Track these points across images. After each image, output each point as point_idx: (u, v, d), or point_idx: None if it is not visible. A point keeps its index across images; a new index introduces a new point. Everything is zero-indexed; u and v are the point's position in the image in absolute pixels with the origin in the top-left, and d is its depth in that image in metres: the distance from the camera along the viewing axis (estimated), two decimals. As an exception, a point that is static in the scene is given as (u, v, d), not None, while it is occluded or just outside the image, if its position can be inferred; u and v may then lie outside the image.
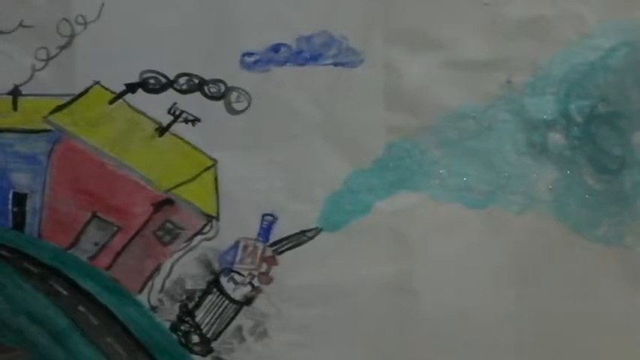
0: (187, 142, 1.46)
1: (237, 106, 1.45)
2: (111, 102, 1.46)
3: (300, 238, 1.46)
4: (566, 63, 1.40)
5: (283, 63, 1.44)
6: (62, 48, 1.44)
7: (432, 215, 1.42)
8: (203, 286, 1.48)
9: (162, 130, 1.46)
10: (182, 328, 1.45)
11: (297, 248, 1.45)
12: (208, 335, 1.46)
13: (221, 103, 1.45)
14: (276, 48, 1.43)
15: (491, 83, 1.41)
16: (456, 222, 1.42)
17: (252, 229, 1.46)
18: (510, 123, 1.41)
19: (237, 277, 1.47)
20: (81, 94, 1.45)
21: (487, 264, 1.41)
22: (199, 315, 1.48)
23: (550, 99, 1.40)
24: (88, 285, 1.47)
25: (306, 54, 1.43)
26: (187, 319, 1.46)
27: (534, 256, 1.40)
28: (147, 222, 1.48)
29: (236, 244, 1.47)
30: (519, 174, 1.41)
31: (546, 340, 1.40)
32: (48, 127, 1.46)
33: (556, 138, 1.40)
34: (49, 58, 1.45)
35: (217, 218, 1.47)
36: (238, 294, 1.48)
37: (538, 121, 1.41)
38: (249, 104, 1.45)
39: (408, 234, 1.42)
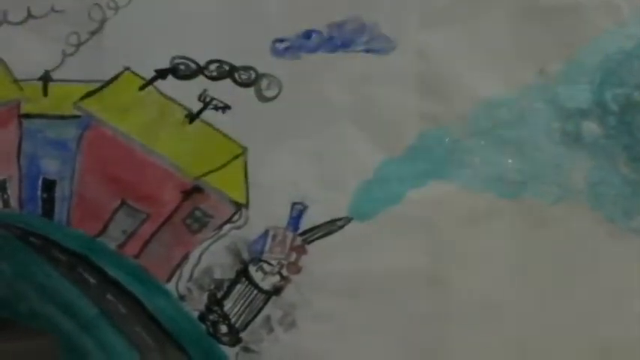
0: (217, 130, 1.45)
1: (268, 93, 1.44)
2: (141, 88, 1.45)
3: (330, 227, 1.44)
4: (601, 51, 1.38)
5: (314, 50, 1.42)
6: (93, 33, 1.44)
7: (463, 205, 1.41)
8: (232, 275, 1.47)
9: (192, 117, 1.45)
10: (210, 317, 1.44)
11: (327, 237, 1.44)
12: (237, 325, 1.45)
13: (251, 90, 1.44)
14: (307, 34, 1.42)
15: (524, 71, 1.40)
16: (489, 212, 1.40)
17: (282, 217, 1.45)
18: (544, 112, 1.40)
19: (266, 266, 1.46)
20: (111, 80, 1.45)
21: (520, 254, 1.39)
22: (228, 305, 1.46)
23: (584, 88, 1.39)
24: (116, 273, 1.46)
25: (337, 40, 1.42)
26: (216, 308, 1.45)
27: (568, 246, 1.38)
28: (176, 210, 1.47)
29: (265, 233, 1.46)
30: (553, 163, 1.39)
31: (578, 330, 1.38)
32: (78, 113, 1.46)
33: (590, 127, 1.39)
34: (79, 44, 1.44)
35: (247, 207, 1.46)
36: (267, 283, 1.47)
37: (572, 110, 1.39)
38: (279, 91, 1.44)
39: (439, 224, 1.41)
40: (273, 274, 1.46)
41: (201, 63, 1.44)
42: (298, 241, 1.45)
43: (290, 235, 1.45)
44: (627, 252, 1.38)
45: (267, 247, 1.46)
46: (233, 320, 1.46)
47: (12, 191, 1.48)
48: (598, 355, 1.40)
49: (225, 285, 1.47)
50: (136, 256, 1.47)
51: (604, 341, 1.39)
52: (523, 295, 1.39)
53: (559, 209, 1.39)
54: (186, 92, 1.44)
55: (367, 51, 1.42)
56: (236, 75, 1.44)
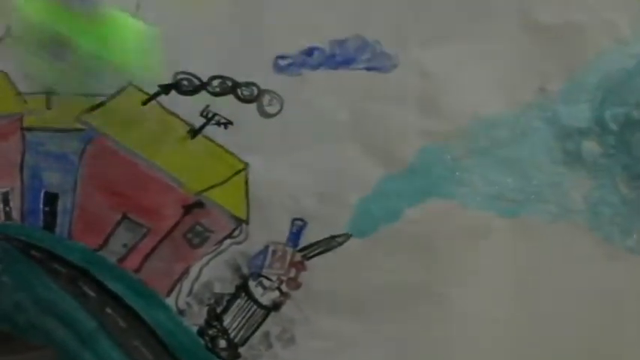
0: (219, 145, 1.46)
1: (270, 110, 1.45)
2: (144, 103, 1.46)
3: (329, 243, 1.45)
4: (601, 70, 1.38)
5: (316, 67, 1.43)
6: (97, 48, 1.46)
7: (462, 223, 1.41)
8: (231, 290, 1.47)
9: (194, 133, 1.46)
10: (209, 332, 1.44)
11: (327, 254, 1.45)
12: (236, 340, 1.45)
13: (253, 106, 1.45)
14: (309, 52, 1.43)
15: (524, 90, 1.40)
16: (487, 230, 1.41)
17: (282, 233, 1.45)
18: (544, 131, 1.40)
19: (265, 281, 1.47)
20: (114, 94, 1.46)
21: (518, 273, 1.39)
22: (227, 319, 1.47)
23: (585, 107, 1.39)
24: (116, 287, 1.47)
25: (339, 58, 1.43)
26: (215, 323, 1.45)
27: (566, 265, 1.38)
28: (177, 224, 1.47)
29: (265, 249, 1.46)
30: (552, 182, 1.39)
31: (576, 349, 1.38)
32: (81, 126, 1.47)
33: (590, 146, 1.39)
34: (83, 58, 1.46)
35: (247, 222, 1.46)
36: (266, 299, 1.47)
37: (572, 129, 1.39)
38: (281, 107, 1.45)
39: (438, 241, 1.41)
40: (272, 289, 1.46)
41: (204, 79, 1.45)
42: (298, 257, 1.45)
43: (290, 250, 1.45)
44: (623, 272, 1.38)
45: (267, 263, 1.46)
46: (232, 335, 1.46)
47: (14, 203, 1.48)
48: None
49: (225, 300, 1.47)
50: (136, 270, 1.48)
51: (599, 356, 1.39)
52: (520, 313, 1.39)
53: (557, 228, 1.39)
54: (189, 107, 1.45)
55: (369, 69, 1.43)
56: (238, 91, 1.45)
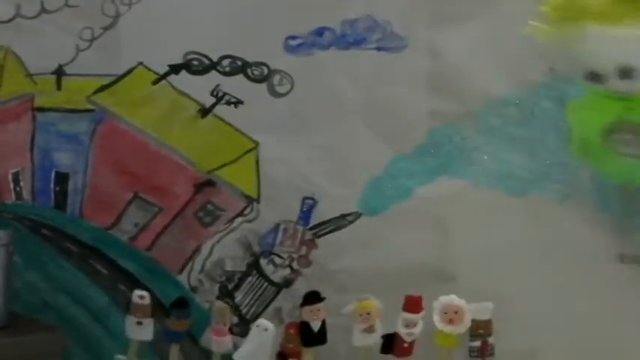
0: (229, 124, 1.47)
1: (280, 89, 1.45)
2: (154, 83, 1.46)
3: (340, 221, 1.46)
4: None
5: (327, 47, 1.44)
6: (106, 29, 1.45)
7: (472, 201, 1.42)
8: (243, 267, 1.49)
9: (204, 112, 1.47)
10: (221, 308, 1.46)
11: (337, 232, 1.47)
12: (247, 316, 1.47)
13: (264, 85, 1.46)
14: (319, 32, 1.43)
15: (534, 70, 1.41)
16: (497, 209, 1.42)
17: (293, 212, 1.47)
18: (553, 110, 1.41)
19: (276, 259, 1.48)
20: (124, 75, 1.46)
21: (526, 251, 1.41)
22: (239, 296, 1.49)
23: (593, 87, 1.40)
24: (127, 265, 1.49)
25: (349, 38, 1.43)
26: (227, 300, 1.46)
27: (574, 244, 1.40)
28: (188, 203, 1.49)
29: (276, 227, 1.48)
30: (561, 162, 1.41)
31: (583, 325, 1.40)
32: (91, 106, 1.47)
33: (598, 126, 1.40)
34: (93, 39, 1.45)
35: (258, 200, 1.48)
36: (278, 276, 1.49)
37: (580, 110, 1.41)
38: (291, 87, 1.45)
39: (448, 220, 1.43)
40: (283, 267, 1.48)
41: (214, 58, 1.45)
42: (309, 235, 1.47)
43: (300, 229, 1.47)
44: (630, 250, 1.40)
45: (278, 241, 1.48)
46: (244, 311, 1.48)
47: (25, 183, 1.49)
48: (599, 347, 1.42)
49: (237, 277, 1.49)
50: (148, 249, 1.50)
51: (608, 332, 1.41)
52: (530, 289, 1.40)
53: (566, 208, 1.41)
54: (199, 87, 1.46)
55: (379, 49, 1.43)
56: (248, 71, 1.45)
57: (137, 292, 1.36)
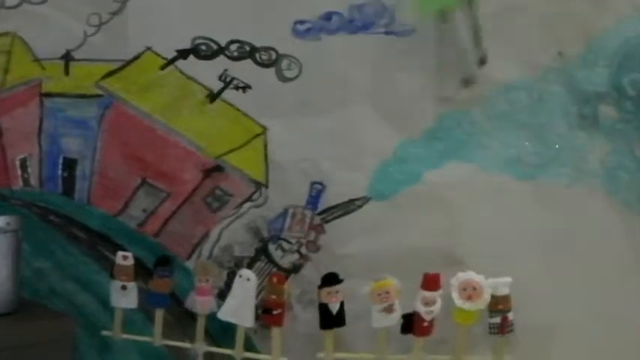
0: (238, 109, 1.46)
1: (288, 74, 1.45)
2: (162, 68, 1.46)
3: (348, 206, 1.46)
4: (620, 36, 1.39)
5: (335, 31, 1.43)
6: (114, 14, 1.44)
7: (481, 186, 1.42)
8: (251, 253, 1.49)
9: (212, 97, 1.46)
10: (230, 294, 1.45)
11: (346, 217, 1.46)
12: (256, 302, 1.46)
13: (272, 70, 1.45)
14: (327, 16, 1.43)
15: (543, 55, 1.41)
16: (505, 193, 1.42)
17: (301, 196, 1.47)
18: (561, 95, 1.41)
19: (285, 244, 1.48)
20: (132, 60, 1.46)
21: (535, 235, 1.41)
22: (247, 282, 1.49)
23: (602, 72, 1.40)
24: (136, 251, 1.48)
25: (357, 22, 1.43)
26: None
27: (583, 228, 1.41)
28: (196, 188, 1.48)
29: (285, 212, 1.48)
30: (570, 146, 1.41)
31: (593, 310, 1.40)
32: (99, 92, 1.47)
33: (607, 111, 1.40)
34: (101, 24, 1.45)
35: (266, 185, 1.48)
36: (286, 261, 1.49)
37: (589, 94, 1.40)
38: (299, 72, 1.45)
39: (457, 204, 1.43)
40: (292, 252, 1.48)
41: (222, 43, 1.44)
42: (317, 220, 1.46)
43: (309, 214, 1.47)
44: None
45: (286, 226, 1.48)
46: (252, 297, 1.48)
47: (32, 170, 1.48)
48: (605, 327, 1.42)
49: (245, 262, 1.49)
50: (156, 235, 1.50)
51: (619, 317, 1.42)
52: (538, 275, 1.40)
53: (574, 192, 1.41)
54: (207, 72, 1.46)
55: (387, 33, 1.42)
56: (257, 55, 1.45)
57: (120, 253, 1.39)
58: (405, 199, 1.44)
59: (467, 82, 1.42)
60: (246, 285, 1.32)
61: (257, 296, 1.37)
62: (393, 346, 1.34)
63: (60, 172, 1.48)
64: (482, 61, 1.41)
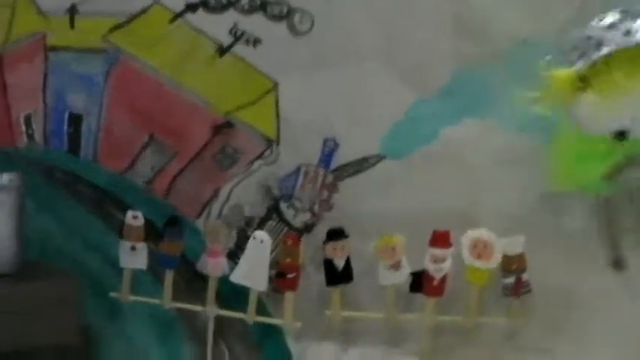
0: (248, 64, 1.43)
1: (300, 28, 1.41)
2: (170, 21, 1.43)
3: (361, 164, 1.43)
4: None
5: (348, -17, 1.40)
6: (121, -35, 1.42)
7: (497, 144, 1.39)
8: (262, 212, 1.46)
9: (222, 51, 1.43)
10: (240, 255, 1.42)
11: (359, 176, 1.43)
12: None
13: (283, 24, 1.42)
14: (342, -33, 1.40)
15: (561, 11, 1.37)
16: (522, 151, 1.39)
17: (314, 154, 1.44)
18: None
19: (297, 203, 1.45)
20: (140, 13, 1.43)
21: (553, 195, 1.38)
22: (258, 241, 1.46)
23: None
24: (144, 210, 1.45)
25: (372, -25, 1.40)
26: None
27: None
28: (205, 145, 1.45)
29: (297, 170, 1.45)
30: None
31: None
32: (105, 46, 1.44)
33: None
34: (107, -25, 1.42)
35: (278, 142, 1.45)
36: (298, 221, 1.46)
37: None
38: (312, 26, 1.41)
39: (473, 162, 1.39)
40: (304, 211, 1.45)
41: (233, -4, 1.42)
42: (330, 178, 1.43)
43: (322, 172, 1.44)
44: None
45: (298, 184, 1.45)
46: (263, 257, 1.46)
47: (37, 126, 1.46)
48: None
49: (256, 222, 1.46)
50: (164, 193, 1.47)
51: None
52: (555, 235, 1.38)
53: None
54: (217, 26, 1.42)
55: (402, -15, 1.39)
56: (268, 8, 1.41)
57: (130, 213, 1.37)
58: (419, 157, 1.40)
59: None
60: (260, 247, 1.30)
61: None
62: (406, 309, 1.33)
63: (65, 128, 1.46)
64: None
